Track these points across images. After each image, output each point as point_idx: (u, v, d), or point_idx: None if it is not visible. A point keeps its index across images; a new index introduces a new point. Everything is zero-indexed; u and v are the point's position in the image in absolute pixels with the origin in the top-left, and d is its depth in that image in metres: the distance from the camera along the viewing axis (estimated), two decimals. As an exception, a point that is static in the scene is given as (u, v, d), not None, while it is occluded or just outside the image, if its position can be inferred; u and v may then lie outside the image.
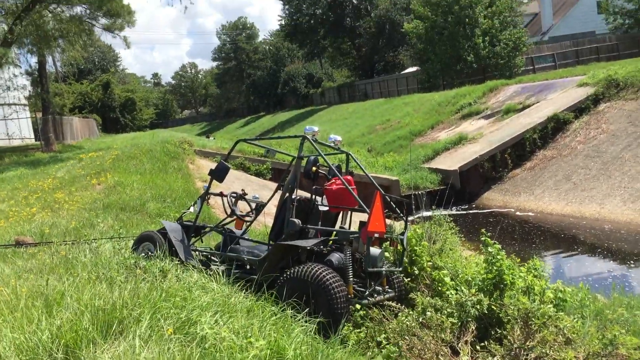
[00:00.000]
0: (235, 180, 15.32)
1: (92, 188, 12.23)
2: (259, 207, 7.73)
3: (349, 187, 6.37)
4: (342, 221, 7.05)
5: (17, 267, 5.99)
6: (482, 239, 6.06)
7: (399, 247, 6.52)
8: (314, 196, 6.94)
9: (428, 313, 5.33)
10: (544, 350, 5.04)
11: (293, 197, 6.45)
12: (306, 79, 71.70)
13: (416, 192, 19.59)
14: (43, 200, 11.13)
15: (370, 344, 5.22)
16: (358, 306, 5.77)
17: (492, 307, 5.36)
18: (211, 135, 57.38)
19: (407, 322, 5.03)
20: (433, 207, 16.40)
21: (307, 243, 6.21)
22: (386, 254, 6.58)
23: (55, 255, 6.38)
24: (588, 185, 16.96)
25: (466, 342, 5.21)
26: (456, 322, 5.30)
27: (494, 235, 6.83)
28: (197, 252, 7.33)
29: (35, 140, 33.86)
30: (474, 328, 5.32)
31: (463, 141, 22.36)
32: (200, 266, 6.59)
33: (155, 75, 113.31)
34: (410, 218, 7.02)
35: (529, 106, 23.62)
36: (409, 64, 60.74)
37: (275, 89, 75.48)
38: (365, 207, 6.06)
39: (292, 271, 5.81)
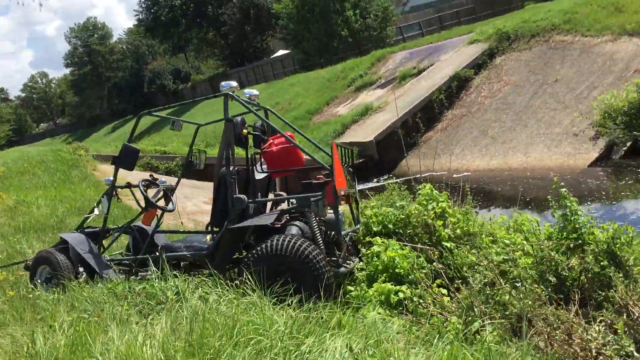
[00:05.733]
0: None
1: (-13, 212, 9.98)
2: (169, 192, 6.53)
3: (296, 144, 5.55)
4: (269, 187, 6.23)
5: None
6: (558, 190, 5.20)
7: (352, 204, 5.87)
8: (254, 163, 5.87)
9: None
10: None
11: (232, 168, 5.32)
12: (173, 75, 68.21)
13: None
14: None
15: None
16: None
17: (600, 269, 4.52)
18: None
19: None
20: (379, 178, 15.75)
21: (266, 220, 5.18)
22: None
23: (1, 301, 4.63)
24: (507, 137, 17.04)
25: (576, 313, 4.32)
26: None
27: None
28: (112, 261, 5.97)
29: None
30: (577, 297, 4.45)
31: (369, 111, 21.80)
32: (121, 277, 5.50)
33: (0, 90, 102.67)
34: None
35: (424, 69, 23.60)
36: (277, 48, 59.73)
37: (141, 89, 71.04)
38: (322, 163, 5.34)
39: (261, 249, 4.75)
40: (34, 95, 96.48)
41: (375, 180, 17.63)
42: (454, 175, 16.44)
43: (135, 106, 73.16)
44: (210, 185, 15.98)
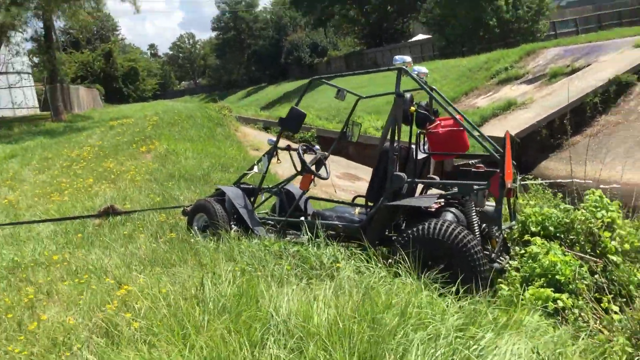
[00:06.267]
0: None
1: (142, 156, 10.66)
2: (323, 160, 6.34)
3: (466, 127, 5.24)
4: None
5: (126, 258, 4.45)
6: None
7: (512, 199, 5.34)
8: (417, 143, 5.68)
9: None
10: None
11: (395, 145, 5.13)
12: (310, 49, 69.36)
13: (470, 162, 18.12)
14: (91, 170, 9.54)
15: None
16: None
17: None
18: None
19: None
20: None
21: (424, 202, 4.95)
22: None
23: (162, 241, 4.83)
24: (668, 153, 15.50)
25: None
26: None
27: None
28: (263, 220, 5.95)
29: (41, 111, 32.03)
30: None
31: (512, 107, 20.76)
32: (268, 235, 5.47)
33: (151, 46, 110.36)
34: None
35: (579, 69, 22.01)
36: (417, 31, 58.56)
37: (278, 59, 73.10)
38: (492, 151, 5.03)
39: (418, 231, 4.52)
40: (180, 54, 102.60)
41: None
42: (601, 186, 15.24)
43: (270, 75, 75.47)
44: (344, 161, 16.06)
